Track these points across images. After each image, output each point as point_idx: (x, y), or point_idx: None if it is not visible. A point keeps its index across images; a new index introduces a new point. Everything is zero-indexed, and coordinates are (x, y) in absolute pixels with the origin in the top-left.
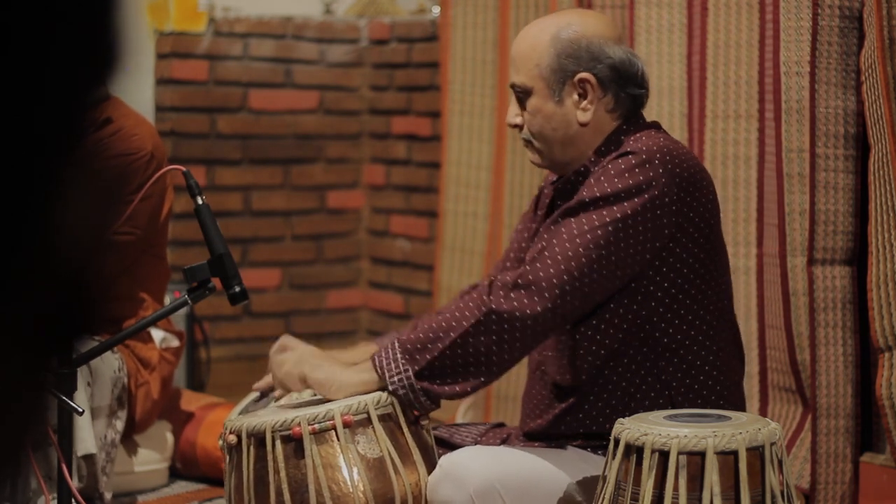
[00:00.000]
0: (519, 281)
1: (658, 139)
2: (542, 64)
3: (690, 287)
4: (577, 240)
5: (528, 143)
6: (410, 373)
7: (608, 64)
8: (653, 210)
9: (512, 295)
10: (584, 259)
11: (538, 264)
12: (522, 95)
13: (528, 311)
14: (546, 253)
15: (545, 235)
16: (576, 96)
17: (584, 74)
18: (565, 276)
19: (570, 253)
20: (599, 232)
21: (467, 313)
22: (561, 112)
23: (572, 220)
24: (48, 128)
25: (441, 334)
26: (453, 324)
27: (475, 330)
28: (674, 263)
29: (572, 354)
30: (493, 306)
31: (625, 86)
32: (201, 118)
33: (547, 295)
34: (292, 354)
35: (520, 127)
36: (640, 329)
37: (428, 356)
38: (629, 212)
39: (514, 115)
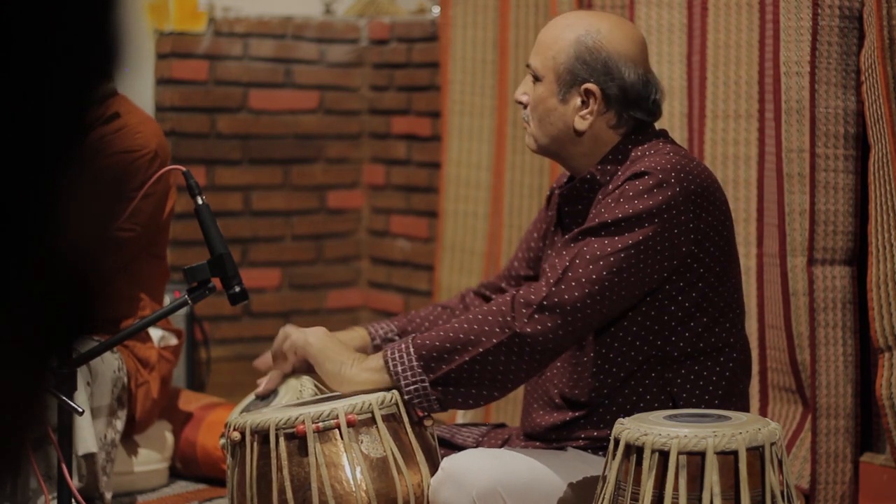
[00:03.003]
0: (544, 303)
1: (669, 155)
2: (558, 59)
3: (704, 300)
4: (600, 262)
5: (526, 123)
6: (426, 382)
7: (618, 84)
8: (671, 230)
9: (536, 317)
10: (606, 282)
11: (562, 286)
12: (534, 79)
13: (550, 335)
14: (569, 274)
15: (564, 254)
16: (578, 102)
17: (590, 85)
18: (588, 300)
19: (593, 276)
20: (622, 255)
21: (487, 329)
22: (561, 111)
23: (594, 240)
24: (53, 123)
25: (459, 346)
26: (472, 338)
27: (496, 350)
28: (690, 279)
29: (588, 374)
30: (518, 329)
31: (630, 108)
32: (201, 118)
33: (569, 318)
34: (306, 333)
35: (524, 105)
36: (652, 345)
37: (445, 367)
38: (650, 233)
39: (522, 92)
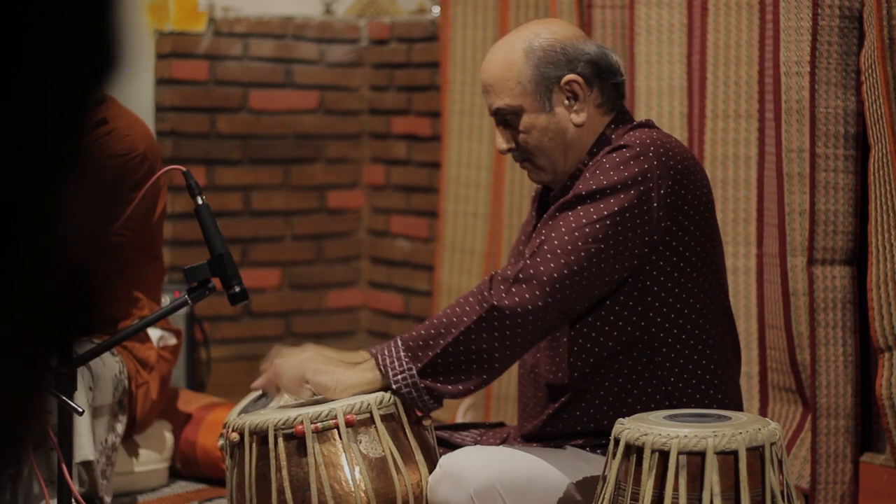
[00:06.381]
0: (520, 275)
1: (651, 133)
2: (523, 80)
3: (687, 281)
4: (576, 233)
5: (528, 161)
6: (414, 371)
7: (586, 60)
8: (648, 202)
9: (513, 290)
10: (582, 253)
11: (538, 258)
12: (512, 117)
13: (529, 306)
14: (545, 247)
15: (543, 230)
16: (565, 101)
17: (569, 76)
18: (565, 270)
19: (568, 247)
20: (597, 226)
21: (468, 309)
22: (554, 121)
23: (570, 213)
24: (51, 127)
25: (443, 330)
26: (454, 320)
27: (477, 326)
28: (670, 257)
29: (567, 353)
30: (495, 302)
31: (607, 76)
32: (201, 118)
33: (548, 289)
34: (293, 360)
35: (514, 150)
36: (635, 326)
37: (430, 353)
38: (625, 204)
39: (503, 141)
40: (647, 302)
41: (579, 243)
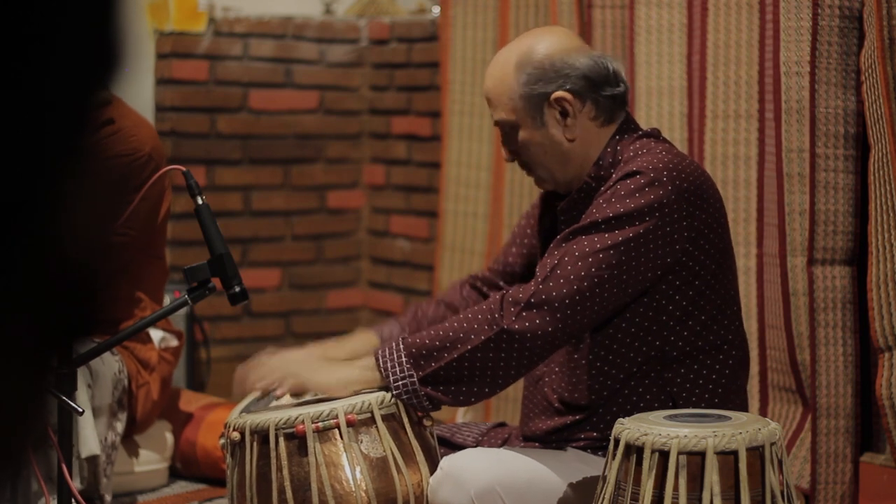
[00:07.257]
0: (532, 300)
1: (661, 154)
2: (514, 96)
3: (701, 299)
4: (589, 259)
5: (529, 171)
6: (415, 378)
7: (577, 75)
8: (663, 228)
9: (524, 314)
10: (595, 279)
11: (550, 283)
12: (510, 130)
13: (539, 332)
14: (558, 271)
15: (555, 252)
16: (557, 116)
17: (557, 93)
18: (577, 297)
19: (582, 273)
20: (612, 252)
21: (476, 327)
22: (548, 136)
23: (584, 238)
24: (53, 128)
25: (448, 344)
26: (461, 335)
27: (484, 346)
28: (686, 277)
29: (586, 376)
30: (506, 326)
31: (600, 89)
32: (201, 118)
33: (559, 315)
34: (286, 358)
35: (517, 159)
36: (650, 345)
37: (434, 364)
38: (640, 231)
39: (505, 152)
40: (662, 321)
41: (592, 269)
